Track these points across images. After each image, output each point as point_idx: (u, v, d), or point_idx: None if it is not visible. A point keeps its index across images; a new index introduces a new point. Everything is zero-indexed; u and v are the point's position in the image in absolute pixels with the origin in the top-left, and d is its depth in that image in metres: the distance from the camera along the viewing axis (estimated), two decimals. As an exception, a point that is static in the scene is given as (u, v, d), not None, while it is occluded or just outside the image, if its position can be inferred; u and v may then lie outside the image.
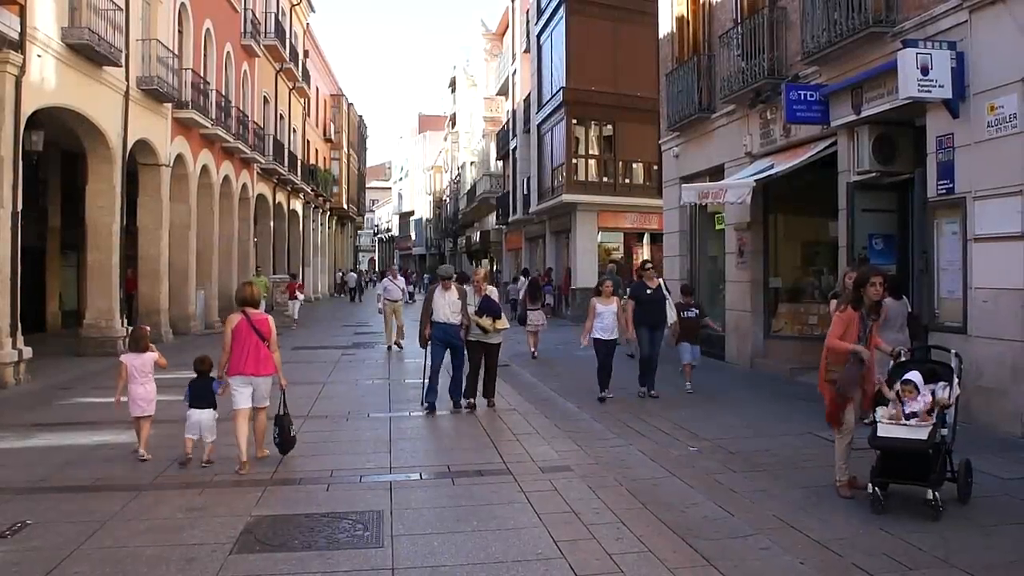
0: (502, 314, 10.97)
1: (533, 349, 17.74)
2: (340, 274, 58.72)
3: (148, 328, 8.91)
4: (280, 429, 7.88)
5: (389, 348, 18.76)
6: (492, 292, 11.21)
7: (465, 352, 10.88)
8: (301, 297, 27.49)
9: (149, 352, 8.20)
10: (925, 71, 9.48)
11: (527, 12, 35.76)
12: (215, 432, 7.85)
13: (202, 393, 7.87)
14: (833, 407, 6.75)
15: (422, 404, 10.61)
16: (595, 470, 7.56)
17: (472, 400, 10.73)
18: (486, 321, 10.67)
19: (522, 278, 28.11)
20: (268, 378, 7.84)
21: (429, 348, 10.69)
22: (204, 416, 7.79)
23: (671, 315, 12.15)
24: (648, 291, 12.01)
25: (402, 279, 21.80)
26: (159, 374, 8.36)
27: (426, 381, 10.68)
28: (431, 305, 10.65)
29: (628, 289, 12.93)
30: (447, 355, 10.84)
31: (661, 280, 12.60)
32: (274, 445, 7.98)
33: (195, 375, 8.05)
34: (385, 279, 20.86)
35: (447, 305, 10.57)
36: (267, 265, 32.97)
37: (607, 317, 11.52)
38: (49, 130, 16.23)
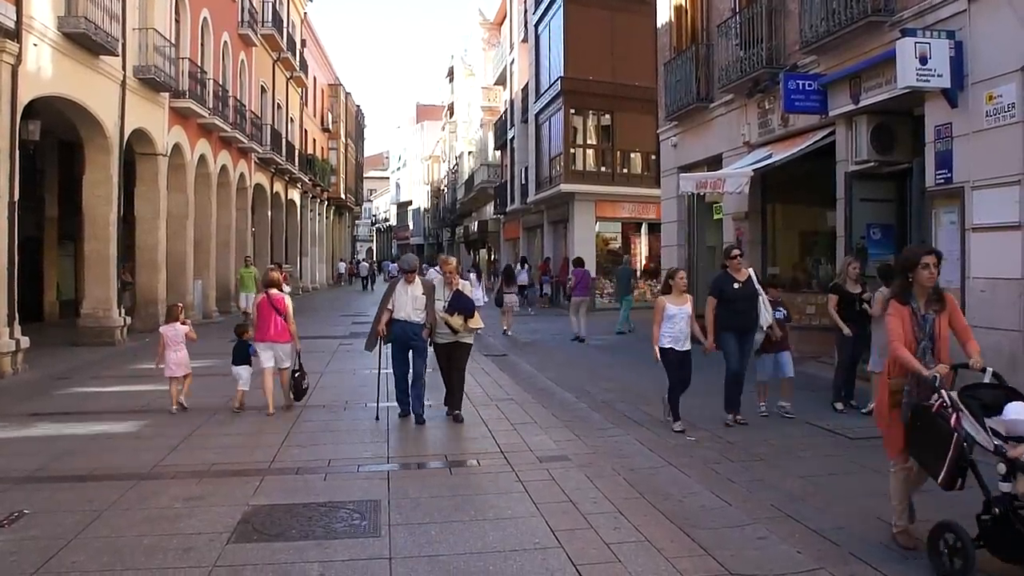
0: (476, 312, 9.54)
1: (506, 327, 19.61)
2: (343, 264, 58.89)
3: (182, 305, 11.23)
4: (294, 382, 9.94)
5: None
6: (464, 286, 9.64)
7: (427, 353, 9.53)
8: (287, 289, 25.30)
9: (182, 325, 10.14)
10: (924, 60, 9.47)
11: (525, 1, 35.65)
12: (248, 384, 10.05)
13: (240, 353, 10.14)
14: (894, 431, 5.28)
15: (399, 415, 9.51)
16: (593, 460, 7.56)
17: (456, 413, 9.43)
18: (457, 320, 9.18)
19: (518, 267, 28.21)
20: (286, 344, 9.88)
21: (389, 352, 9.54)
22: (242, 371, 10.05)
23: (766, 316, 9.27)
24: (736, 285, 9.23)
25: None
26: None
27: (380, 388, 9.68)
28: (391, 300, 9.33)
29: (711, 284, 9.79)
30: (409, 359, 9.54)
31: (751, 271, 9.64)
32: (291, 394, 10.01)
33: (236, 340, 10.35)
34: (431, 270, 18.90)
35: (410, 301, 9.24)
36: (264, 255, 32.92)
37: (680, 320, 8.89)
38: (46, 120, 16.18)
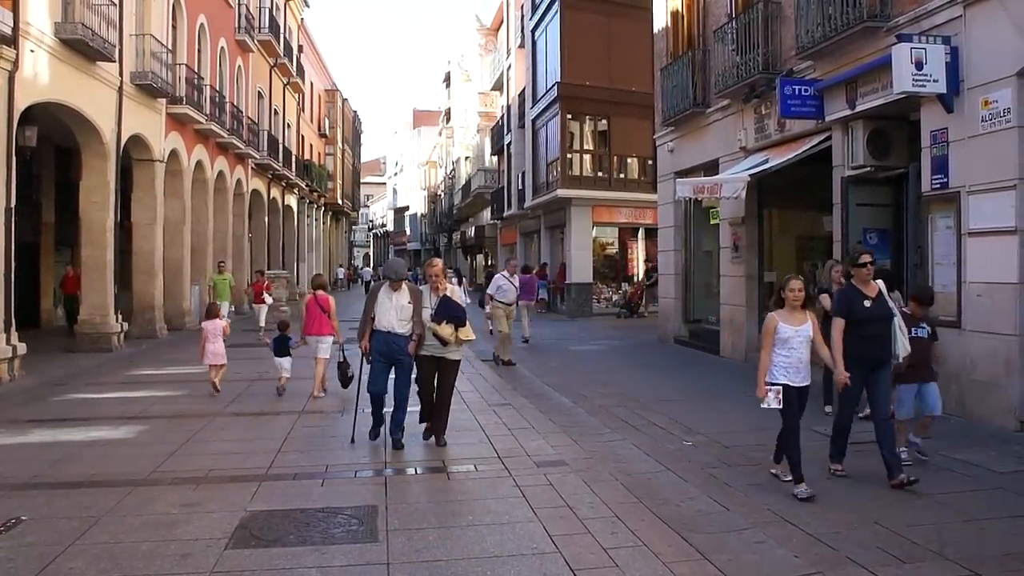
0: (467, 320, 8.39)
1: (492, 329, 20.21)
2: (342, 269, 58.98)
3: (219, 304, 13.47)
4: (340, 372, 10.66)
5: (501, 362, 15.10)
6: (453, 292, 8.52)
7: (412, 370, 8.40)
8: (270, 300, 21.98)
9: (219, 320, 11.96)
10: (919, 66, 9.50)
11: (521, 7, 35.70)
12: (290, 371, 11.66)
13: (282, 346, 11.69)
14: None
15: (352, 441, 8.48)
16: (590, 464, 7.56)
17: (434, 437, 8.43)
18: (446, 330, 8.05)
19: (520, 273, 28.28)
20: (329, 337, 11.46)
21: (368, 367, 8.41)
22: (284, 361, 11.61)
23: (902, 344, 7.16)
24: (867, 303, 7.08)
25: (517, 277, 16.86)
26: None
27: (358, 409, 8.71)
28: (374, 309, 8.26)
29: (833, 299, 7.78)
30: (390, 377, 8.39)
31: (882, 283, 7.38)
32: (338, 382, 10.79)
33: (277, 333, 11.94)
34: (497, 275, 16.72)
35: (394, 310, 8.15)
36: (261, 261, 32.90)
37: (798, 345, 6.72)
38: (43, 125, 16.18)
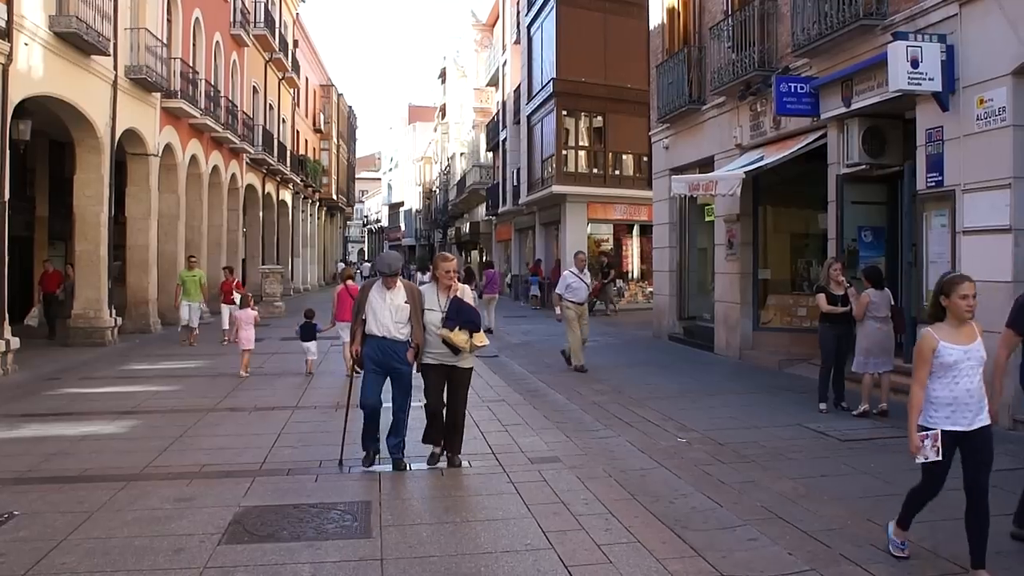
0: (481, 325, 7.54)
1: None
2: (342, 264, 59.11)
3: (251, 294, 14.65)
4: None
5: (579, 369, 13.59)
6: (464, 292, 7.41)
7: (411, 382, 7.40)
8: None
9: (251, 310, 13.41)
10: (915, 64, 9.51)
11: (517, 3, 35.68)
12: (316, 354, 13.20)
13: (308, 332, 12.97)
14: None
15: (340, 464, 7.37)
16: (584, 461, 7.56)
17: (437, 451, 7.45)
18: (460, 337, 7.06)
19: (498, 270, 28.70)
20: None
21: (361, 376, 7.39)
22: (311, 345, 12.97)
23: None
24: None
25: (588, 274, 14.76)
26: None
27: (347, 423, 7.67)
28: (365, 309, 7.23)
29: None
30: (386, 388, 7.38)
31: None
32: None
33: (304, 321, 13.15)
34: (567, 272, 14.49)
35: (389, 311, 7.12)
36: (256, 256, 32.87)
37: (967, 374, 4.96)
38: (37, 119, 16.11)
